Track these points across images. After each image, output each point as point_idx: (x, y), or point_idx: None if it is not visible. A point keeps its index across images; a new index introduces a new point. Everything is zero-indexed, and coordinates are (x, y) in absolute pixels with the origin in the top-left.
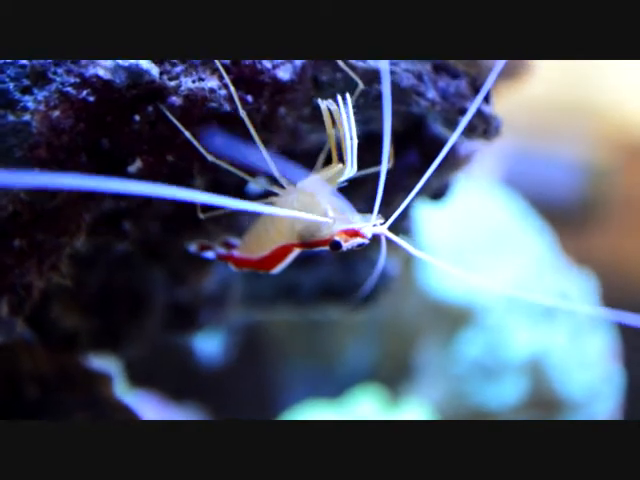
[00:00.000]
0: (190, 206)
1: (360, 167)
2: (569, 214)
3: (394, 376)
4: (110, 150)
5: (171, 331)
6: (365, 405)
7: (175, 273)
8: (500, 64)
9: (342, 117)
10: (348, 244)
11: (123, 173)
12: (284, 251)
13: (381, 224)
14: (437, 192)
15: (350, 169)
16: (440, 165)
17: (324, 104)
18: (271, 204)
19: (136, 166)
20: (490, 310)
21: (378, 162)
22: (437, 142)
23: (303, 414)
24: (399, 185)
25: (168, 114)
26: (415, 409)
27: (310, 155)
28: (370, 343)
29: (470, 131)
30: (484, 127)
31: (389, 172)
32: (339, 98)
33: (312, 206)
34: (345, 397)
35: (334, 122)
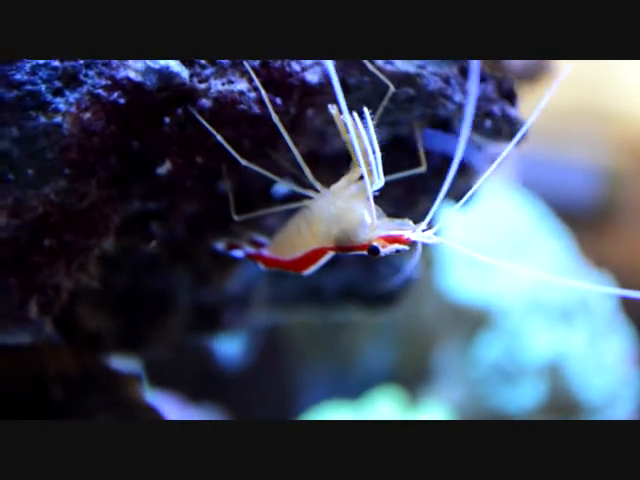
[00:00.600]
0: (217, 207)
1: (386, 169)
2: (587, 217)
3: (413, 378)
4: (140, 152)
5: (195, 332)
6: (384, 407)
7: (200, 274)
8: (569, 68)
9: (361, 132)
10: (386, 250)
11: (152, 174)
12: (317, 254)
13: (422, 230)
14: (462, 196)
15: (378, 182)
16: (466, 169)
17: (349, 120)
18: (306, 207)
19: (165, 167)
20: (509, 313)
21: (404, 165)
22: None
23: (322, 416)
24: (424, 188)
25: (199, 117)
26: (433, 411)
27: (336, 158)
28: (389, 345)
29: (497, 134)
30: (510, 130)
31: (415, 175)
32: (355, 114)
33: (349, 210)
34: (364, 399)
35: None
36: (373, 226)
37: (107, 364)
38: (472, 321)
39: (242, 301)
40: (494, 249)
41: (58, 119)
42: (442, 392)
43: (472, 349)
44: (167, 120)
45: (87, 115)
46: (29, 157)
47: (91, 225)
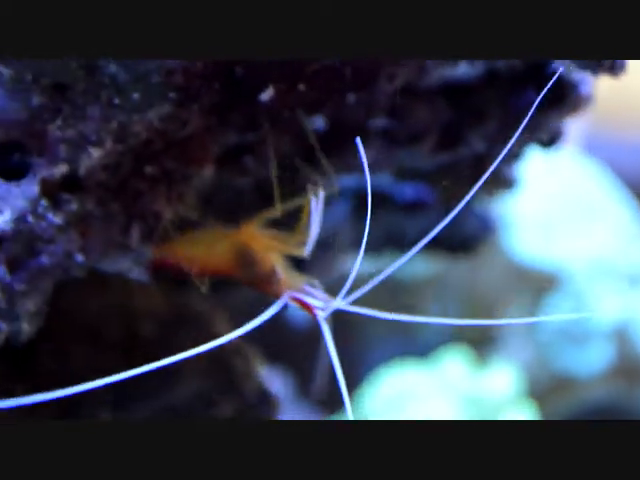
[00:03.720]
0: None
1: None
2: None
3: (479, 339)
4: (243, 78)
5: None
6: (453, 365)
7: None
8: None
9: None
10: (293, 304)
11: (254, 101)
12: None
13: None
14: (551, 138)
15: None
16: (559, 105)
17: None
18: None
19: (268, 94)
20: (576, 276)
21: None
22: (559, 81)
23: (390, 373)
24: (516, 125)
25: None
26: (502, 370)
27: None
28: (454, 306)
29: (597, 66)
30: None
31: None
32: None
33: (266, 260)
34: (432, 357)
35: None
36: (286, 282)
37: (196, 304)
38: (539, 284)
39: (327, 245)
40: (563, 215)
41: None
42: (509, 353)
43: (539, 312)
44: None
45: None
46: (135, 81)
47: (191, 154)
